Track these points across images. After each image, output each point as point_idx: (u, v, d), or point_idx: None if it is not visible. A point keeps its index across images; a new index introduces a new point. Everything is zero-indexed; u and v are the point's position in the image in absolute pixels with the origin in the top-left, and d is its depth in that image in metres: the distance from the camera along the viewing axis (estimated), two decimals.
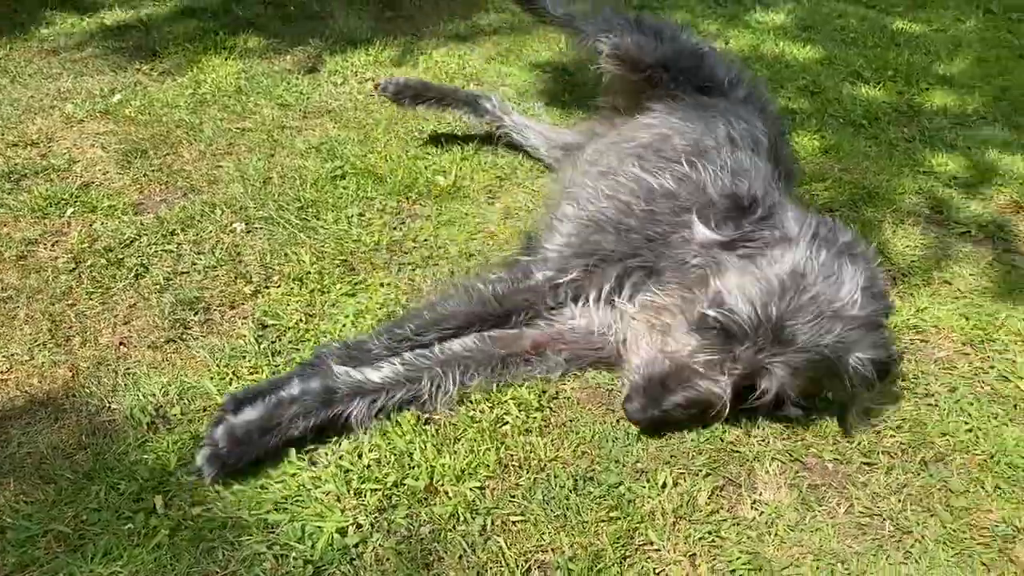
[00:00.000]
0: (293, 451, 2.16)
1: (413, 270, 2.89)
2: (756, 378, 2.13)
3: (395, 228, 3.11)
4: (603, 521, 2.05)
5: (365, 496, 2.06)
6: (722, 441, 2.29)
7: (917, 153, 3.86)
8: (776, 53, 4.97)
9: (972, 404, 2.44)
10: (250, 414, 2.11)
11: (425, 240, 3.05)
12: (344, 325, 2.59)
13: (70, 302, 2.64)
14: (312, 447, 2.19)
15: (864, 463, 2.24)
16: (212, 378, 2.37)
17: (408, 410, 2.29)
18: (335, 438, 2.22)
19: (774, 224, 2.24)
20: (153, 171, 3.35)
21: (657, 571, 1.95)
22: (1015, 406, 2.44)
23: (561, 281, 2.39)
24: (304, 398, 2.16)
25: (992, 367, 2.59)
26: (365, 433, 2.23)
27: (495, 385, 2.39)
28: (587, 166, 2.81)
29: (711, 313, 2.11)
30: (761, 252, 2.18)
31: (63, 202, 3.10)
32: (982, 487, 2.18)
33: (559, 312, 2.42)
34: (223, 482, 2.07)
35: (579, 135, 3.37)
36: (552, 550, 1.98)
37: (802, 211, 2.35)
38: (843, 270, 2.11)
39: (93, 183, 3.26)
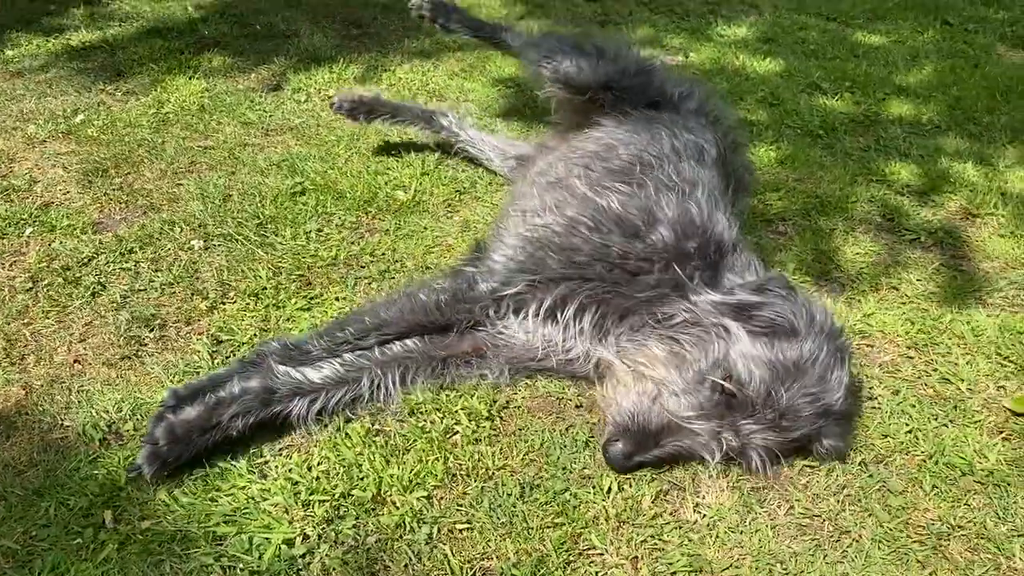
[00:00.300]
0: (244, 463, 2.19)
1: (369, 284, 2.92)
2: (744, 448, 2.16)
3: (353, 243, 3.14)
4: (548, 527, 2.08)
5: (313, 507, 2.09)
6: None
7: (871, 162, 3.93)
8: (737, 66, 5.05)
9: (914, 406, 2.49)
10: (189, 413, 2.16)
11: (383, 254, 3.09)
12: None
13: (26, 321, 2.66)
14: (263, 459, 2.22)
15: (806, 465, 2.28)
16: None
17: (353, 414, 2.36)
18: (285, 450, 2.25)
19: (770, 299, 2.26)
20: (114, 190, 3.38)
21: (599, 574, 1.98)
22: (955, 407, 2.49)
23: (504, 294, 2.42)
24: (244, 397, 2.21)
25: (935, 370, 2.64)
26: (308, 433, 2.30)
27: (437, 386, 2.44)
28: (536, 177, 2.86)
29: (722, 382, 2.12)
30: (768, 331, 2.19)
31: (22, 222, 3.12)
32: (920, 487, 2.23)
33: (501, 323, 2.46)
34: (172, 495, 2.09)
35: (532, 148, 3.42)
36: (497, 557, 2.01)
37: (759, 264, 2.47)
38: (836, 368, 2.16)
39: (53, 203, 3.28)
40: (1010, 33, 5.69)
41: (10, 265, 2.91)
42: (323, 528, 2.05)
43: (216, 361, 2.53)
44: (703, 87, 3.43)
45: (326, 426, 2.32)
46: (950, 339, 2.77)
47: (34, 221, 3.13)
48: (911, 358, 2.69)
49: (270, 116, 4.11)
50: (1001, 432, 2.42)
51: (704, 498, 2.19)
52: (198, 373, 2.48)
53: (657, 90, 3.11)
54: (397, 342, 2.44)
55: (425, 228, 3.27)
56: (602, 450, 2.22)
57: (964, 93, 4.68)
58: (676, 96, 3.13)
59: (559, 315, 2.38)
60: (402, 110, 3.69)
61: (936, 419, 2.45)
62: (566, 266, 2.35)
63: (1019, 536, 2.11)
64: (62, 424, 2.30)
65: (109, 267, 2.92)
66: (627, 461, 2.16)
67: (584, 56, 3.15)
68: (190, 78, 4.40)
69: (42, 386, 2.42)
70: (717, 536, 2.08)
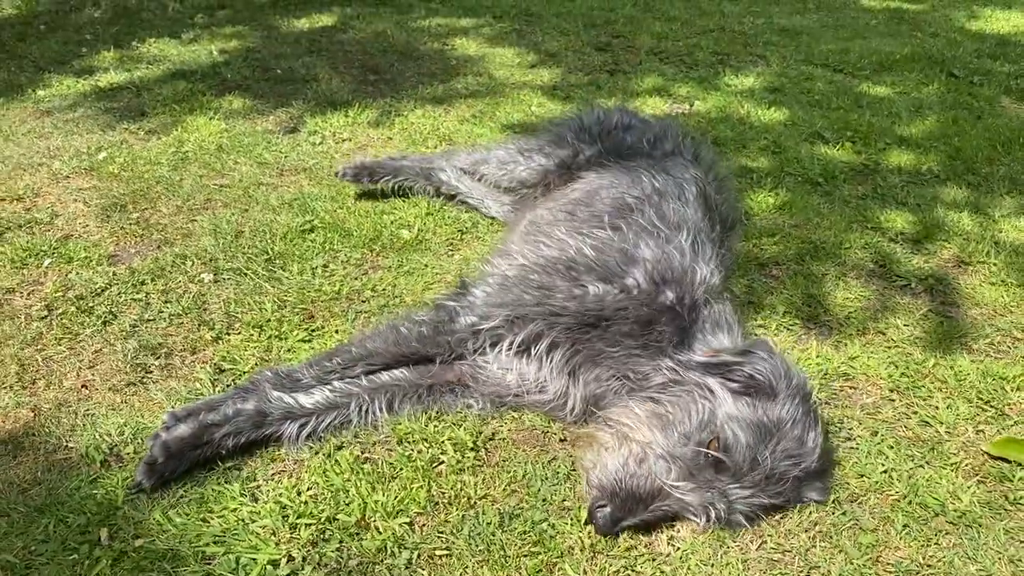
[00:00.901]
0: (237, 486, 2.28)
1: (369, 318, 3.03)
2: (731, 511, 2.18)
3: (356, 278, 3.26)
4: (525, 555, 2.15)
5: (299, 530, 2.17)
6: None
7: (868, 210, 4.00)
8: (742, 114, 5.16)
9: (892, 447, 2.54)
10: (183, 430, 2.29)
11: (384, 289, 3.20)
12: None
13: (39, 347, 2.79)
14: (255, 483, 2.31)
15: None
16: None
17: (342, 439, 2.47)
18: (277, 475, 2.34)
19: (749, 360, 2.29)
20: (130, 224, 3.53)
21: None
22: (932, 449, 2.54)
23: (482, 328, 2.53)
24: (237, 418, 2.34)
25: (915, 412, 2.69)
26: (299, 458, 2.40)
27: (423, 413, 2.54)
28: (524, 225, 2.99)
29: (709, 451, 2.14)
30: (749, 390, 2.25)
31: (42, 253, 3.28)
32: (892, 526, 2.27)
33: (481, 357, 2.56)
34: (166, 515, 2.19)
35: (526, 200, 3.58)
36: None
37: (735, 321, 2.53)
38: (812, 428, 2.21)
39: (72, 235, 3.43)
40: (1015, 86, 5.77)
41: (28, 294, 3.06)
42: (308, 550, 2.13)
43: (217, 388, 2.64)
44: (676, 127, 3.59)
45: (317, 453, 2.41)
46: (932, 383, 2.82)
47: (53, 252, 3.29)
48: (892, 400, 2.75)
49: (285, 157, 4.28)
50: (977, 475, 2.46)
51: (679, 531, 2.24)
52: (198, 399, 2.58)
53: (630, 145, 3.25)
54: (384, 372, 2.55)
55: (426, 266, 3.38)
56: (589, 514, 2.19)
57: (965, 144, 4.76)
58: (650, 141, 3.26)
59: (532, 351, 2.47)
60: (403, 170, 3.83)
61: (912, 460, 2.50)
62: (541, 304, 2.45)
63: None
64: (66, 446, 2.41)
65: (121, 297, 3.05)
66: (613, 527, 2.15)
67: (536, 150, 3.45)
68: (210, 119, 4.59)
69: (50, 409, 2.54)
70: (689, 569, 2.14)
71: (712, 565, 2.15)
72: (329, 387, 2.49)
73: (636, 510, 2.15)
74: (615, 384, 2.44)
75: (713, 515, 2.15)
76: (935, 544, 2.22)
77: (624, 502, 2.14)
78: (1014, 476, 2.45)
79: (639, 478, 2.15)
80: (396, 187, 3.86)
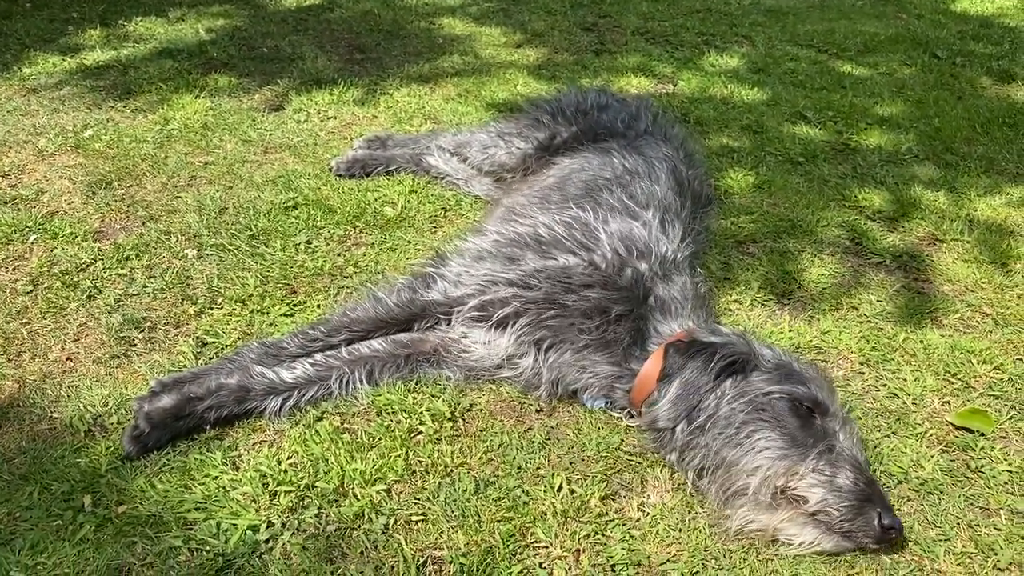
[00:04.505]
0: (219, 455, 2.34)
1: (351, 293, 3.08)
2: None
3: (339, 255, 3.30)
4: (498, 521, 2.21)
5: (279, 497, 2.23)
6: (620, 451, 2.46)
7: (846, 189, 4.06)
8: (725, 94, 5.20)
9: (860, 418, 2.60)
10: (166, 401, 2.35)
11: (366, 265, 3.24)
12: None
13: (24, 321, 2.83)
14: (237, 452, 2.37)
15: None
16: None
17: (323, 410, 2.52)
18: (258, 444, 2.40)
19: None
20: (116, 201, 3.56)
21: (542, 565, 2.11)
22: (898, 420, 2.61)
23: (456, 294, 2.60)
24: (219, 393, 2.40)
25: (884, 385, 2.76)
26: (280, 429, 2.45)
27: (402, 382, 2.61)
28: (501, 210, 3.09)
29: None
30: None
31: (27, 229, 3.31)
32: None
33: (458, 329, 2.62)
34: (149, 482, 2.24)
35: (505, 183, 3.65)
36: (448, 547, 2.14)
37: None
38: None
39: (58, 212, 3.46)
40: (996, 67, 5.82)
41: (13, 269, 3.09)
42: (287, 516, 2.18)
43: (200, 361, 2.69)
44: (650, 106, 3.65)
45: (297, 423, 2.46)
46: (902, 356, 2.89)
47: (38, 228, 3.32)
48: (862, 373, 2.81)
49: (270, 135, 4.30)
50: (940, 444, 2.53)
51: (649, 498, 2.31)
52: (181, 372, 2.63)
53: (605, 125, 3.31)
54: (364, 343, 2.61)
55: (409, 242, 3.42)
56: (883, 537, 2.09)
57: (944, 124, 4.81)
58: (624, 121, 3.32)
59: (503, 326, 2.53)
60: (394, 159, 3.94)
61: (879, 430, 2.57)
62: (511, 271, 2.51)
63: (945, 540, 2.22)
64: (51, 416, 2.46)
65: (106, 273, 3.09)
66: (895, 517, 2.10)
67: (515, 134, 3.51)
68: (196, 97, 4.60)
69: (35, 381, 2.58)
70: (658, 533, 2.20)
71: (680, 530, 2.22)
72: (311, 360, 2.54)
73: (881, 495, 2.12)
74: (575, 374, 2.52)
75: None
76: (897, 510, 2.28)
77: (874, 499, 2.09)
78: (976, 445, 2.53)
79: (840, 488, 2.10)
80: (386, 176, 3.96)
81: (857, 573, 2.12)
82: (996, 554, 2.19)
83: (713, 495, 2.23)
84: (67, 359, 2.69)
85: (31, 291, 2.97)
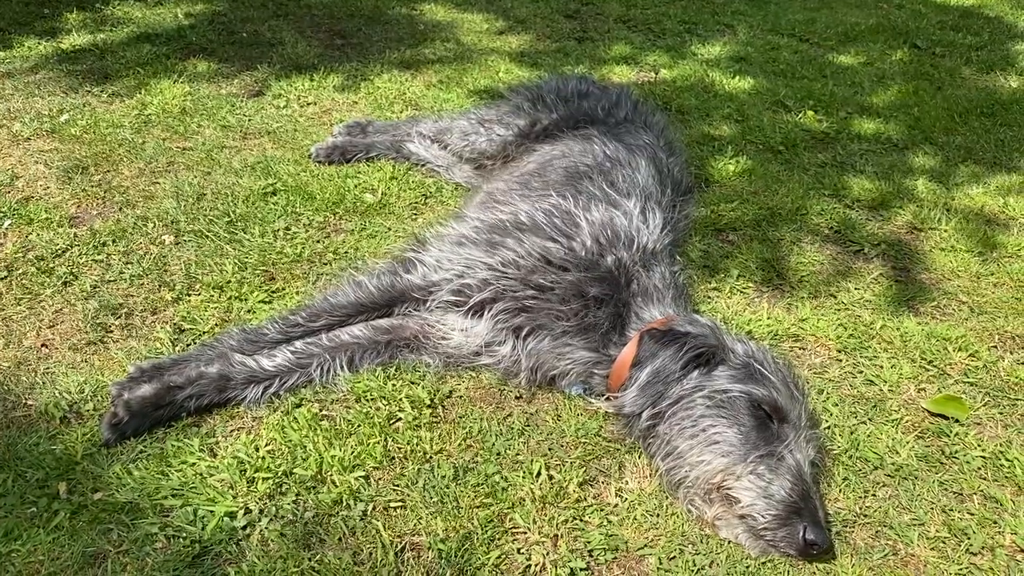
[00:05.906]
0: (196, 441, 2.32)
1: (330, 280, 3.06)
2: None
3: (318, 241, 3.29)
4: (477, 507, 2.21)
5: (257, 484, 2.22)
6: (599, 438, 2.47)
7: (827, 177, 4.07)
8: (707, 83, 5.21)
9: (836, 405, 2.63)
10: (146, 390, 2.32)
11: (346, 252, 3.23)
12: None
13: None
14: (214, 439, 2.35)
15: None
16: None
17: (303, 399, 2.50)
18: (236, 431, 2.38)
19: None
20: (92, 187, 3.52)
21: (520, 550, 2.11)
22: (875, 406, 2.63)
23: (436, 278, 2.61)
24: (200, 381, 2.38)
25: (860, 372, 2.78)
26: (259, 416, 2.44)
27: (382, 368, 2.60)
28: (481, 196, 3.08)
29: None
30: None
31: (2, 214, 3.26)
32: (832, 479, 2.36)
33: (437, 314, 2.61)
34: (126, 469, 2.22)
35: (485, 170, 3.64)
36: (426, 533, 2.14)
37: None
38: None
39: (33, 197, 3.42)
40: (976, 57, 5.86)
41: None
42: (265, 503, 2.18)
43: (177, 348, 2.67)
44: (630, 93, 3.65)
45: (275, 410, 2.45)
46: (879, 344, 2.91)
47: (13, 214, 3.27)
48: (840, 360, 2.83)
49: (249, 120, 4.26)
50: (915, 430, 2.55)
51: (627, 484, 2.32)
52: (158, 359, 2.61)
53: (585, 110, 3.31)
54: (344, 330, 2.60)
55: (389, 229, 3.41)
56: (805, 551, 2.07)
57: (924, 114, 4.84)
58: (605, 109, 3.32)
59: (481, 312, 2.53)
60: (374, 146, 3.93)
61: (855, 417, 2.59)
62: (491, 255, 2.51)
63: (919, 525, 2.24)
64: (26, 403, 2.43)
65: (82, 259, 3.06)
66: (825, 532, 2.09)
67: (496, 121, 3.51)
68: (174, 82, 4.55)
69: (9, 367, 2.55)
70: (635, 519, 2.21)
71: (657, 515, 2.23)
72: (291, 348, 2.53)
73: (814, 509, 2.09)
74: (553, 361, 2.52)
75: None
76: (872, 495, 2.32)
77: (803, 512, 2.08)
78: (951, 432, 2.55)
79: (771, 496, 2.10)
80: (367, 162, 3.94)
81: (830, 557, 2.14)
82: (969, 538, 2.22)
83: (664, 481, 2.27)
84: (42, 345, 2.66)
85: (5, 277, 2.94)
